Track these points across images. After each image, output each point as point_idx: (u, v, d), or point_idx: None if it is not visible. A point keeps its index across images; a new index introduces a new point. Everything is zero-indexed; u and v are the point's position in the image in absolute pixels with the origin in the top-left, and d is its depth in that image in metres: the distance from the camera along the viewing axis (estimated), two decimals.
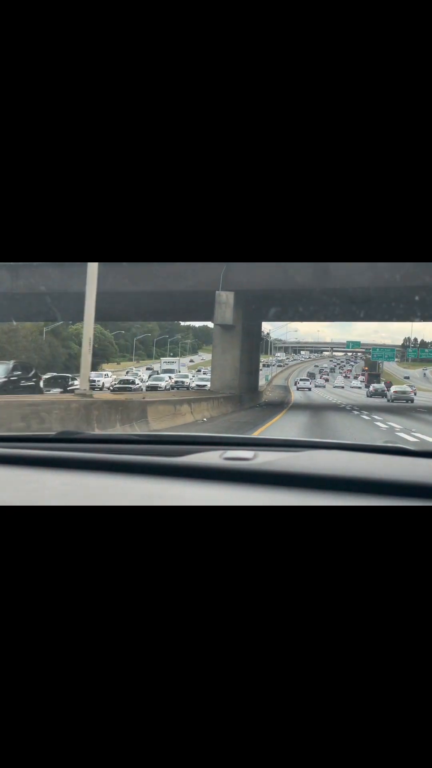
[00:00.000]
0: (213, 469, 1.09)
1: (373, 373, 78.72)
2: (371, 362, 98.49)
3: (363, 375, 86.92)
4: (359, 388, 71.64)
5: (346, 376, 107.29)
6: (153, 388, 38.40)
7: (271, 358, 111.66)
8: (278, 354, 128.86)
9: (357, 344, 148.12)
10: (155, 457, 1.20)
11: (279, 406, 29.61)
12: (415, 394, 41.64)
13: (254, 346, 32.73)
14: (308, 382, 66.99)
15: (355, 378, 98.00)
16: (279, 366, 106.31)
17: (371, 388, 49.68)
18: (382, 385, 50.18)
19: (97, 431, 9.09)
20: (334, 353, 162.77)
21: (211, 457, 1.17)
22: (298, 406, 30.03)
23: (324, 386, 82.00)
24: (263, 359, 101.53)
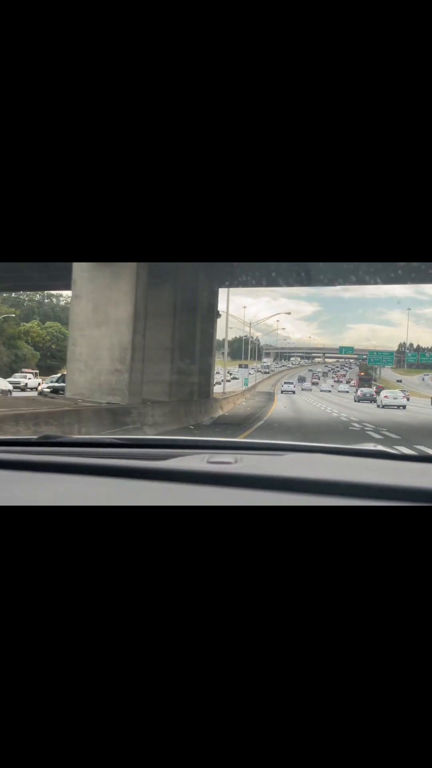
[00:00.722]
0: (197, 472, 1.10)
1: (365, 377, 73.29)
2: (366, 367, 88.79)
3: (355, 379, 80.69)
4: (347, 392, 68.08)
5: (338, 381, 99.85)
6: (55, 391, 24.84)
7: (256, 364, 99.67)
8: (265, 360, 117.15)
9: (350, 350, 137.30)
10: (139, 461, 1.19)
11: (236, 428, 15.64)
12: (407, 399, 38.47)
13: (195, 317, 18.23)
14: (292, 385, 63.20)
15: (347, 383, 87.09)
16: (265, 372, 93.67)
17: (359, 393, 45.31)
18: (371, 390, 46.03)
19: None
20: (326, 359, 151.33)
21: (195, 461, 1.18)
22: (270, 429, 15.96)
23: (310, 390, 77.42)
24: (246, 363, 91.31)
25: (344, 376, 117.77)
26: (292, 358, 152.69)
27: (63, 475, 1.11)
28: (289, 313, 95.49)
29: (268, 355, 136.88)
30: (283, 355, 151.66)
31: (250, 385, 47.50)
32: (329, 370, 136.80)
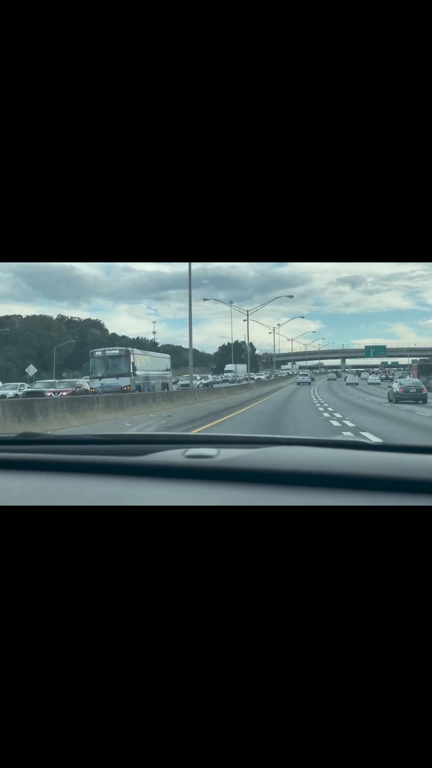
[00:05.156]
0: (175, 467, 1.11)
1: (427, 365, 50.52)
2: None
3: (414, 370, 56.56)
4: (378, 384, 51.02)
5: (389, 377, 75.04)
6: None
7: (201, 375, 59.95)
8: (229, 368, 75.31)
9: (382, 350, 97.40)
10: (117, 456, 1.20)
11: None
12: None
13: None
14: (307, 377, 60.36)
15: (401, 377, 52.28)
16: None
17: (398, 388, 26.08)
18: (416, 382, 26.58)
19: None
20: (347, 366, 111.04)
21: (174, 456, 1.18)
22: None
23: (335, 379, 72.64)
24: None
25: (393, 373, 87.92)
26: (284, 366, 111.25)
27: (42, 473, 1.12)
28: (291, 297, 53.82)
29: (266, 364, 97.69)
30: (281, 363, 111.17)
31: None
32: (376, 372, 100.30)
